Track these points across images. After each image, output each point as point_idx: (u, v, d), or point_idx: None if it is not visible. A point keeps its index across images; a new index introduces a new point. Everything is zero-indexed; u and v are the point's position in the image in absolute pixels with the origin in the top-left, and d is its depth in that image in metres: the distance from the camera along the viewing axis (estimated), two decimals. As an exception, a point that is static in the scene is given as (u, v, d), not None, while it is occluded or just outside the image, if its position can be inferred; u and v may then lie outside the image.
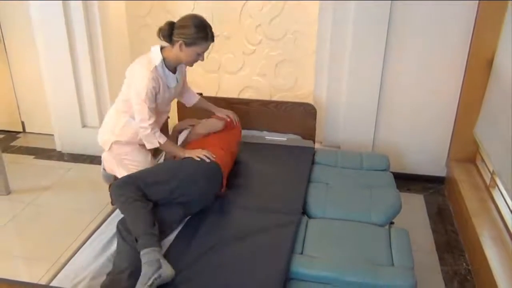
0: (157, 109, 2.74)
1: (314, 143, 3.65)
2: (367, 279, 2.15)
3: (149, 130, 2.64)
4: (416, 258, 2.37)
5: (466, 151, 3.76)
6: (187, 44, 2.56)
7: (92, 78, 4.20)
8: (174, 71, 2.76)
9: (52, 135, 4.65)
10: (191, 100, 3.24)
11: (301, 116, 3.70)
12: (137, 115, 2.64)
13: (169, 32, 2.60)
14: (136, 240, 2.15)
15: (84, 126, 4.42)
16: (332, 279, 2.18)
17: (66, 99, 4.30)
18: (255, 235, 2.42)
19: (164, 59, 2.66)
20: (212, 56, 4.27)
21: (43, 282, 2.60)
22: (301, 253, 2.35)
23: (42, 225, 3.43)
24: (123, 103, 2.79)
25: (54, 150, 4.65)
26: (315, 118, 3.69)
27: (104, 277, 2.14)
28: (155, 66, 2.60)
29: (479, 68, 3.46)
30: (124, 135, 2.81)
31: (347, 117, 3.87)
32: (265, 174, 3.05)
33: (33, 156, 4.56)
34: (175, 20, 2.66)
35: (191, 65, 2.74)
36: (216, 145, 2.88)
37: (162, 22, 4.19)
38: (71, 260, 2.26)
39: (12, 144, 4.83)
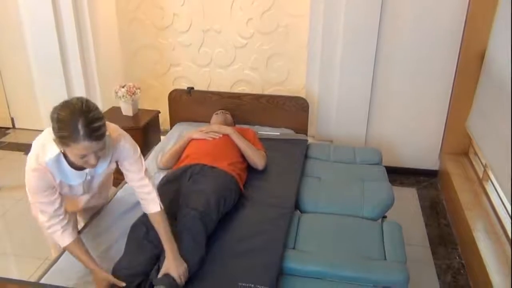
0: (73, 197, 2.24)
1: (307, 137, 3.64)
2: (360, 274, 2.15)
3: (45, 229, 2.05)
4: (409, 252, 2.38)
5: (459, 144, 3.77)
6: (60, 143, 1.81)
7: (82, 73, 4.16)
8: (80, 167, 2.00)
9: (42, 131, 4.58)
10: (145, 208, 2.21)
11: (293, 110, 3.69)
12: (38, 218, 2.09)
13: None
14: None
15: (74, 121, 4.36)
16: (324, 274, 2.17)
17: (56, 95, 4.21)
18: (247, 230, 2.40)
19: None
20: (204, 50, 4.25)
21: (33, 279, 2.55)
22: (294, 248, 2.34)
23: (32, 222, 3.39)
24: None
25: (44, 146, 4.59)
26: (307, 112, 3.68)
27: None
28: (45, 162, 1.90)
29: (471, 61, 3.47)
30: None
31: (340, 111, 3.86)
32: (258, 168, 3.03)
33: (23, 153, 4.51)
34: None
35: (89, 167, 1.94)
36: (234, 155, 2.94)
37: (152, 17, 4.22)
38: (61, 257, 2.24)
39: (1, 140, 4.80)
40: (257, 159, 2.98)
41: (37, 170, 1.91)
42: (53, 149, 1.89)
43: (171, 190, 2.53)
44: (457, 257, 3.04)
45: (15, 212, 3.55)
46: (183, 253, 2.10)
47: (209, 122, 3.49)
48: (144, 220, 2.22)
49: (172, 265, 2.04)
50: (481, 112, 3.34)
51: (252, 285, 2.03)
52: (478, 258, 2.67)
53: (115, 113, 3.83)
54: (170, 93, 3.90)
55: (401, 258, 2.27)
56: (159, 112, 4.00)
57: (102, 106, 4.27)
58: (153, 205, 2.15)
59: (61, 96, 4.09)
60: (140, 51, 4.43)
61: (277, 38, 4.07)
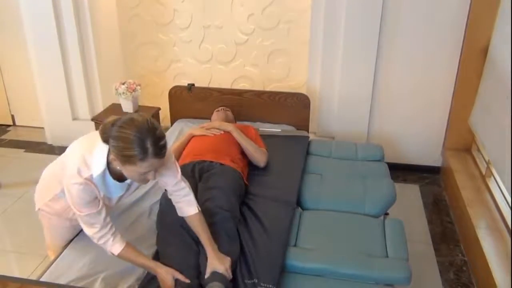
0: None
1: (308, 133, 3.64)
2: (361, 271, 2.15)
3: (95, 241, 1.99)
4: (412, 249, 2.38)
5: (461, 140, 3.76)
6: (122, 162, 1.80)
7: (82, 70, 4.16)
8: (123, 177, 2.01)
9: (43, 128, 4.62)
10: (182, 211, 2.19)
11: (295, 107, 3.69)
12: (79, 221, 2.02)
13: (109, 133, 1.84)
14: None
15: (74, 118, 4.39)
16: (326, 271, 2.17)
17: (56, 92, 4.26)
18: (249, 227, 2.39)
19: (110, 164, 1.92)
20: (205, 46, 4.24)
21: (33, 277, 2.56)
22: (295, 245, 2.34)
23: (33, 219, 3.38)
24: (59, 171, 2.09)
25: (45, 143, 4.62)
26: (309, 108, 3.68)
27: (92, 271, 2.11)
28: (91, 176, 1.90)
29: (473, 57, 3.46)
30: (51, 208, 2.24)
31: (341, 107, 3.86)
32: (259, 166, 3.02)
33: (23, 150, 4.53)
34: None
35: (143, 183, 2.00)
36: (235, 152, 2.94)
37: (153, 13, 4.20)
38: (61, 255, 2.24)
39: (2, 137, 4.81)
40: (258, 156, 2.98)
41: (83, 184, 1.87)
42: (100, 164, 1.89)
43: (192, 181, 2.53)
44: (460, 254, 3.04)
45: (15, 209, 3.56)
46: (223, 250, 2.12)
47: (209, 119, 3.49)
48: (181, 222, 2.21)
49: (216, 262, 2.04)
50: (485, 107, 3.33)
51: (256, 281, 2.04)
52: (481, 255, 2.67)
53: (115, 110, 3.81)
54: (171, 90, 3.90)
55: (403, 255, 2.27)
56: (160, 109, 3.99)
57: (103, 103, 4.30)
58: (190, 208, 2.13)
59: (61, 93, 4.18)
60: (140, 47, 4.42)
61: (278, 34, 4.06)
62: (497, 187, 3.12)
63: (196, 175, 2.64)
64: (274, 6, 3.96)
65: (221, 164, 2.72)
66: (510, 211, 2.85)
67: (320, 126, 4.01)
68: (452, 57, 3.58)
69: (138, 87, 3.75)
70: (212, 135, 3.03)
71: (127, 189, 2.12)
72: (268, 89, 4.21)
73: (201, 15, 4.12)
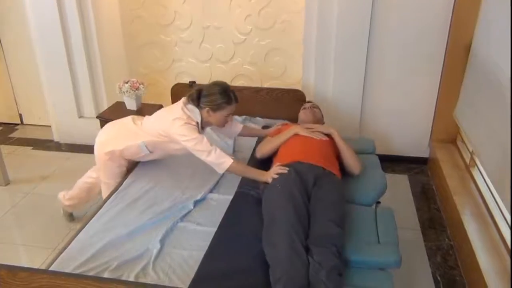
0: (168, 149, 2.89)
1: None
2: (355, 257, 2.24)
3: (218, 150, 2.64)
4: (401, 235, 2.47)
5: (447, 132, 3.87)
6: (214, 110, 2.71)
7: (87, 69, 4.24)
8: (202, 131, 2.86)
9: (50, 126, 4.69)
10: (235, 131, 3.18)
11: (291, 102, 3.76)
12: (200, 151, 2.65)
13: (197, 97, 2.72)
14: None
15: (80, 116, 4.48)
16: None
17: (63, 91, 4.34)
18: (249, 214, 2.50)
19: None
20: (204, 46, 4.34)
21: (43, 267, 2.50)
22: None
23: (41, 214, 3.46)
24: (149, 133, 2.84)
25: (52, 140, 4.68)
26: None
27: (100, 261, 2.19)
28: (197, 122, 2.72)
29: (458, 54, 3.56)
30: (126, 151, 2.91)
31: (335, 103, 3.94)
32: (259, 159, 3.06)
33: (31, 147, 4.59)
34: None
35: (222, 126, 2.85)
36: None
37: (154, 15, 4.33)
38: (69, 246, 2.30)
39: (10, 136, 4.86)
40: (355, 163, 2.90)
41: (195, 126, 2.68)
42: (198, 116, 2.73)
43: (304, 183, 2.52)
44: (446, 239, 3.14)
45: (24, 204, 3.61)
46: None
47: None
48: (291, 228, 2.23)
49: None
50: (468, 102, 3.41)
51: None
52: (465, 239, 2.78)
53: (119, 108, 3.87)
54: (173, 88, 3.96)
55: (394, 241, 2.36)
56: (162, 106, 4.06)
57: (107, 101, 4.36)
58: (237, 126, 3.18)
59: (67, 92, 4.29)
60: (143, 47, 4.49)
61: (274, 34, 4.15)
62: (480, 175, 3.21)
63: (311, 178, 2.55)
64: (270, 7, 4.05)
65: (333, 174, 2.66)
66: (493, 198, 2.95)
67: (315, 121, 4.11)
68: (438, 54, 3.67)
69: (141, 86, 3.77)
70: (318, 138, 2.90)
71: None
72: (265, 86, 4.31)
73: (201, 16, 4.21)
